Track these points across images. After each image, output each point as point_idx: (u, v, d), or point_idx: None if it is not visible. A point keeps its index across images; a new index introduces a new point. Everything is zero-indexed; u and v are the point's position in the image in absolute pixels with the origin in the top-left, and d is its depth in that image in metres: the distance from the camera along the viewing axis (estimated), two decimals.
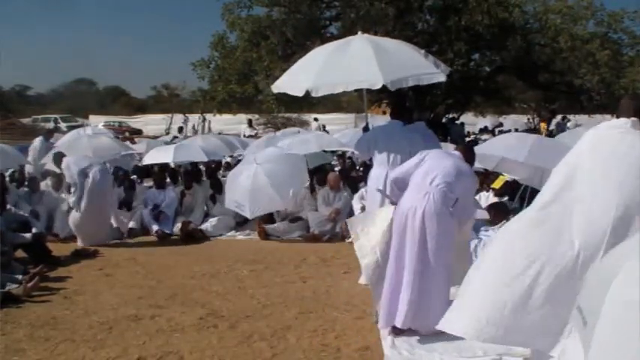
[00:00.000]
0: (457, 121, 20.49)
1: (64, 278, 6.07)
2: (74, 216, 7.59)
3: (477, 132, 24.04)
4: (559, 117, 23.87)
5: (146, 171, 11.02)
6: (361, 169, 10.27)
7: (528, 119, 28.72)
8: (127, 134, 25.91)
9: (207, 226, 8.36)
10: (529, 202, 5.99)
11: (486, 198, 7.45)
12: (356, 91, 7.93)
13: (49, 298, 5.38)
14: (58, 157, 7.85)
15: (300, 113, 29.57)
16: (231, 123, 26.96)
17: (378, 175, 5.57)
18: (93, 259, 6.96)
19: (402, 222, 4.08)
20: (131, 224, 8.39)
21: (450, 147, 8.93)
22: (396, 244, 4.12)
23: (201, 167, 11.02)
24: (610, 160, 3.04)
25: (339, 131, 16.16)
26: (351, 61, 5.71)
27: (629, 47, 17.57)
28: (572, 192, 3.02)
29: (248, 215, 7.91)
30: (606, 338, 1.87)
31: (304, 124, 28.23)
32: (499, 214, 5.90)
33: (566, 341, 2.66)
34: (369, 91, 7.12)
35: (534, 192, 6.44)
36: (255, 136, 18.79)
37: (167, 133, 24.84)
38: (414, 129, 5.66)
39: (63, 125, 27.60)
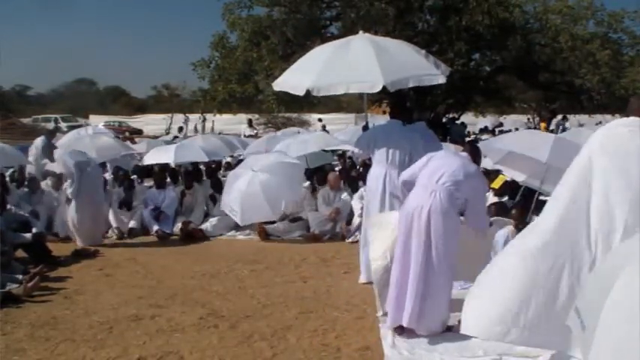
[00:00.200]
0: (457, 121, 20.49)
1: (64, 278, 6.07)
2: (72, 215, 7.58)
3: (477, 132, 24.05)
4: (559, 117, 23.87)
5: (146, 171, 11.02)
6: (361, 168, 10.26)
7: (528, 119, 28.76)
8: (127, 134, 25.90)
9: (207, 226, 8.36)
10: (529, 202, 6.05)
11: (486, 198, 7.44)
12: None
13: (50, 298, 5.38)
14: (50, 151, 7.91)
15: (301, 113, 29.59)
16: (231, 123, 27.00)
17: (377, 174, 5.58)
18: (93, 259, 6.95)
19: (409, 222, 4.08)
20: (131, 224, 8.38)
21: (450, 147, 8.98)
22: (401, 243, 4.12)
23: (202, 167, 11.02)
24: (622, 157, 3.11)
25: (339, 131, 16.18)
26: (352, 62, 5.71)
27: (629, 47, 17.60)
28: (587, 190, 3.09)
29: (239, 222, 7.94)
30: (606, 342, 1.87)
31: (304, 123, 28.26)
32: (499, 214, 5.90)
33: None
34: None
35: (533, 192, 6.46)
36: (255, 136, 18.79)
37: (167, 133, 24.87)
38: (413, 129, 5.66)
39: (63, 125, 27.57)
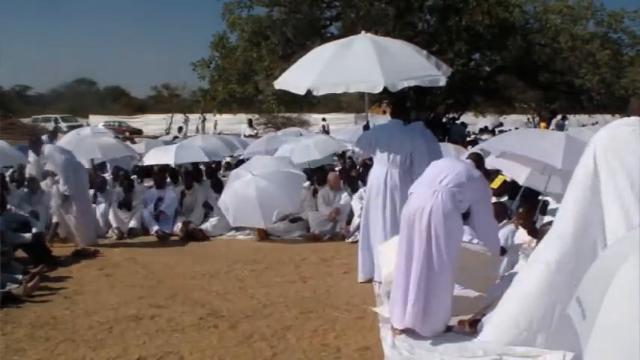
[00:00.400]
0: (458, 121, 20.48)
1: (64, 278, 6.08)
2: (67, 216, 7.55)
3: (477, 132, 24.05)
4: (559, 117, 23.87)
5: (146, 171, 11.03)
6: (361, 168, 10.26)
7: (528, 119, 28.75)
8: (127, 134, 25.92)
9: (207, 226, 8.36)
10: (532, 202, 6.03)
11: None
12: None
13: (49, 298, 5.38)
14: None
15: (301, 113, 29.58)
16: (231, 123, 27.01)
17: (378, 174, 5.58)
18: (93, 259, 6.96)
19: (410, 222, 4.08)
20: (131, 224, 8.39)
21: (450, 147, 8.97)
22: (403, 244, 4.12)
23: (202, 167, 11.01)
24: (628, 156, 3.19)
25: (339, 131, 16.18)
26: (353, 62, 5.71)
27: (629, 47, 17.59)
28: (597, 195, 3.21)
29: (230, 222, 7.93)
30: (607, 332, 1.89)
31: (304, 123, 28.28)
32: (499, 214, 5.87)
33: None
34: None
35: (532, 192, 6.45)
36: (255, 136, 18.79)
37: (167, 133, 24.88)
38: (414, 128, 5.67)
39: (63, 125, 27.60)
